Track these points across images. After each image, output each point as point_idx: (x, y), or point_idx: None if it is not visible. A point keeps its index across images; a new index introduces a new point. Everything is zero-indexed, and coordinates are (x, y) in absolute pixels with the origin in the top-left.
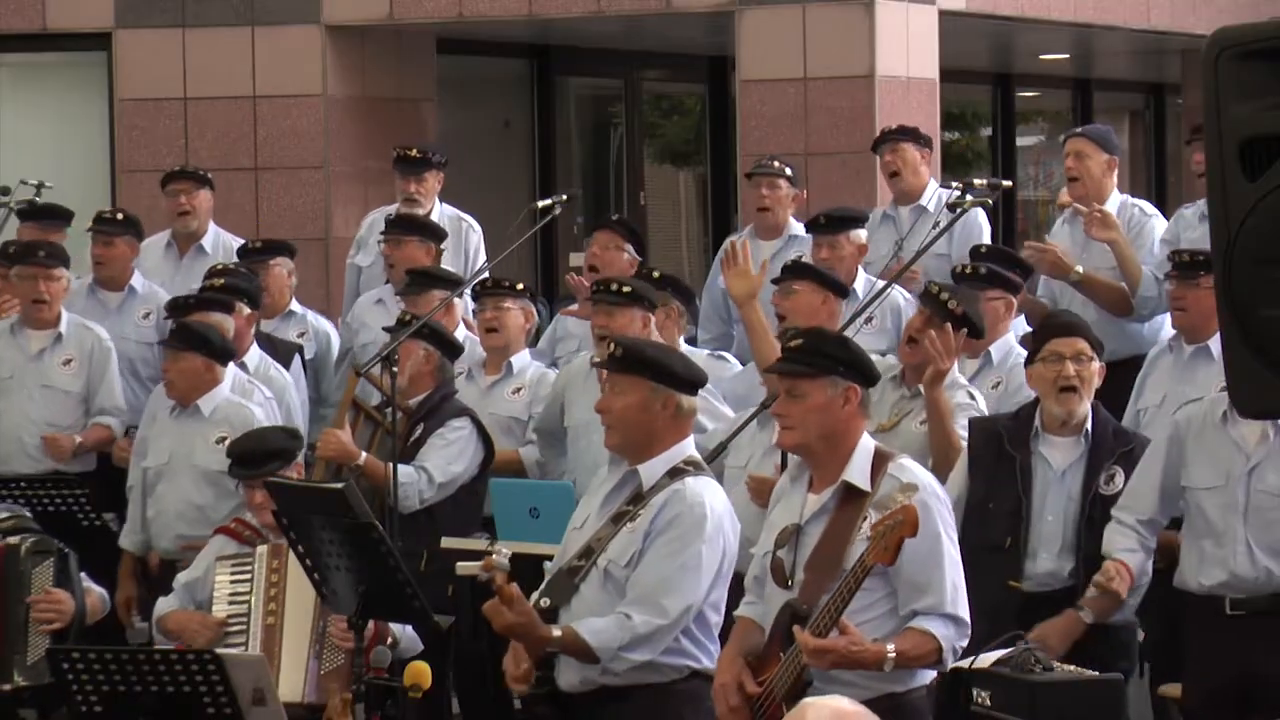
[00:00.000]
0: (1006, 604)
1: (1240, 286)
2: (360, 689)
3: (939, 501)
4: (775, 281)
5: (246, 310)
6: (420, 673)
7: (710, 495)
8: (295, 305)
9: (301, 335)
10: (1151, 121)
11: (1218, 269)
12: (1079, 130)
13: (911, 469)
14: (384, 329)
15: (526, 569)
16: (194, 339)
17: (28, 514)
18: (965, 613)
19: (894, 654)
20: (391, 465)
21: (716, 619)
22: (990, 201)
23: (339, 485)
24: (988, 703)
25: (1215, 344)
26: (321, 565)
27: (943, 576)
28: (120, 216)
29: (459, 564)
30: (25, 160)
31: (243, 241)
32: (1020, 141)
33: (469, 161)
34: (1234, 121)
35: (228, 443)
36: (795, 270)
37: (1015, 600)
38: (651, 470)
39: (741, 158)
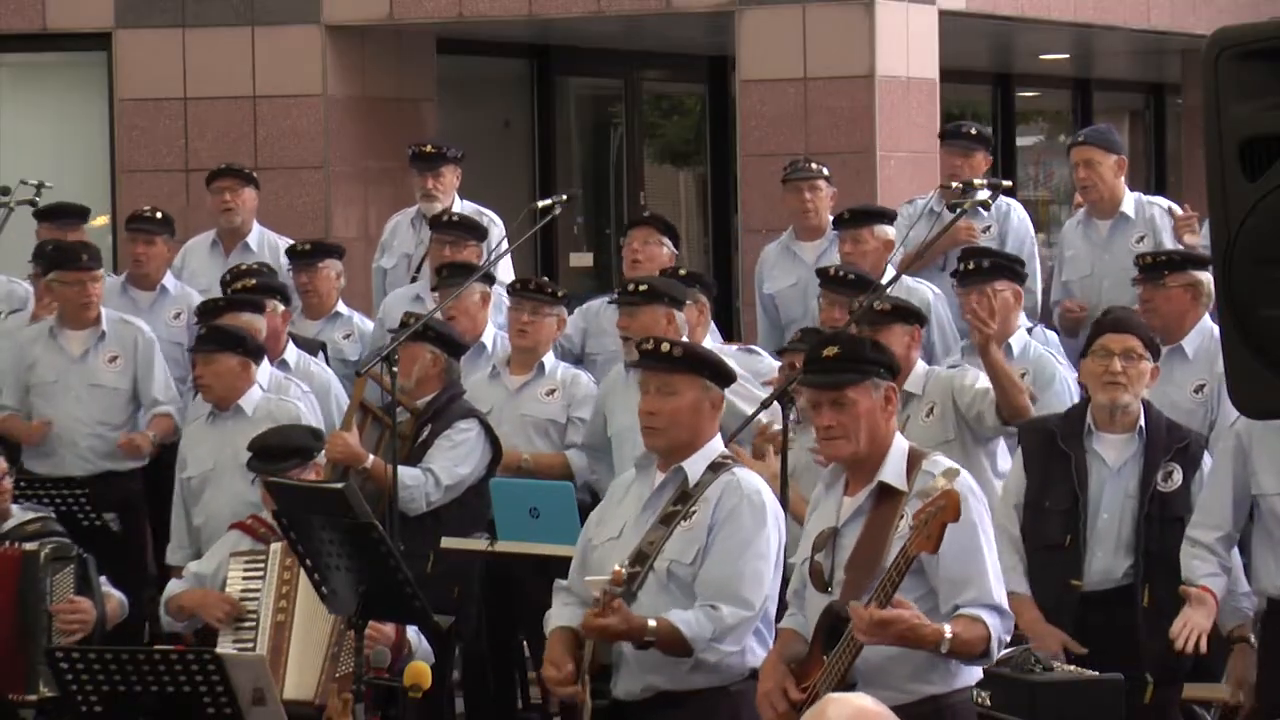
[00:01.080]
0: (1065, 602)
1: (1240, 286)
2: (360, 689)
3: (974, 495)
4: (823, 288)
5: (281, 308)
6: (420, 673)
7: (761, 484)
8: (341, 306)
9: (347, 337)
10: (1151, 121)
11: (1218, 269)
12: (1082, 138)
13: (946, 465)
14: (388, 330)
15: (526, 569)
16: (228, 339)
17: (52, 515)
18: (1007, 604)
19: (951, 635)
20: (392, 466)
21: (773, 609)
22: (990, 201)
23: (339, 485)
24: (988, 703)
25: (1188, 344)
26: (321, 565)
27: (984, 569)
28: (159, 215)
29: (587, 578)
30: (25, 160)
31: (289, 241)
32: (1020, 141)
33: (469, 161)
34: (1234, 121)
35: None
36: (853, 283)
37: (1074, 599)
38: (695, 467)
39: (742, 158)
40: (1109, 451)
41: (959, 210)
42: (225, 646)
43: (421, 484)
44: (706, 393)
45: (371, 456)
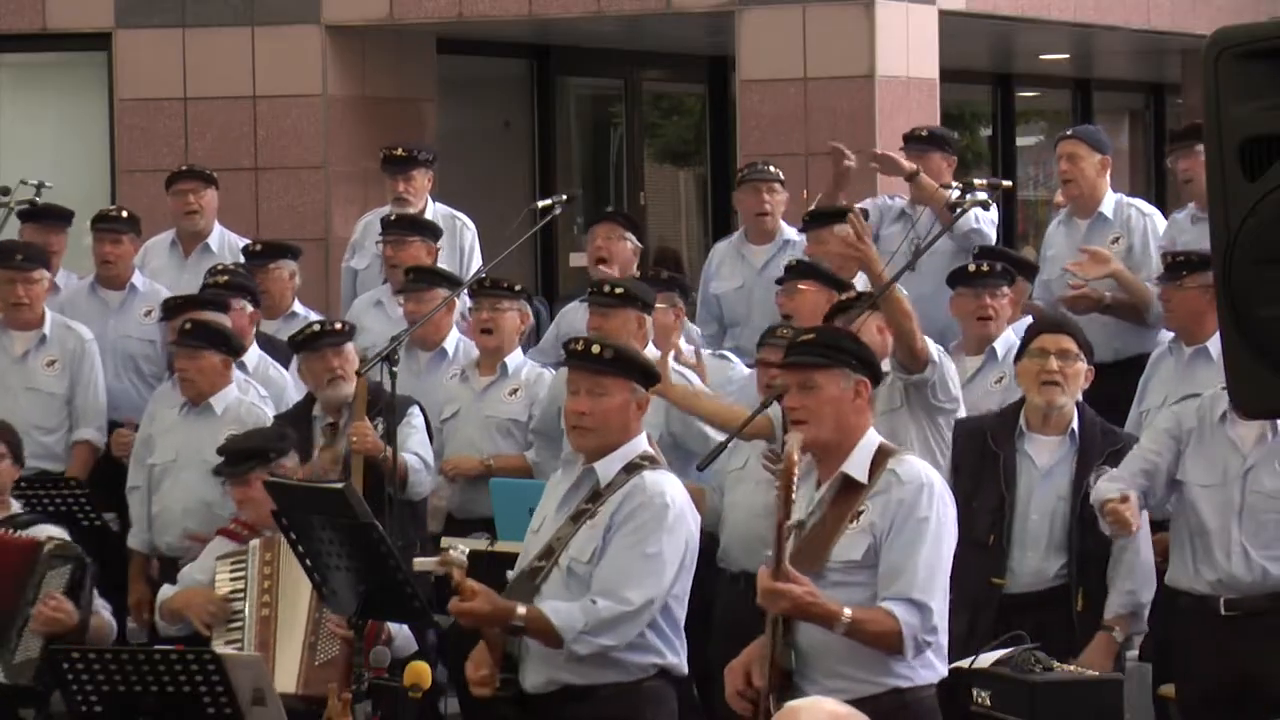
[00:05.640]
0: (988, 601)
1: (1240, 286)
2: (361, 689)
3: (932, 493)
4: (779, 282)
5: (249, 309)
6: (420, 673)
7: (670, 486)
8: (298, 306)
9: None
10: (1151, 121)
11: (1218, 269)
12: (1069, 132)
13: (912, 464)
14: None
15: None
16: (214, 337)
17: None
18: (935, 603)
19: (849, 619)
20: (393, 454)
21: (680, 611)
22: (990, 202)
23: (339, 485)
24: (988, 703)
25: (1214, 344)
26: (321, 565)
27: (916, 563)
28: (124, 214)
29: (415, 560)
30: (25, 160)
31: (248, 241)
32: (1020, 141)
33: (469, 161)
34: (1234, 121)
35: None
36: (800, 270)
37: (997, 597)
38: (608, 467)
39: (741, 158)
40: (1040, 453)
41: (959, 210)
42: (217, 648)
43: (421, 469)
44: (634, 394)
45: (387, 446)
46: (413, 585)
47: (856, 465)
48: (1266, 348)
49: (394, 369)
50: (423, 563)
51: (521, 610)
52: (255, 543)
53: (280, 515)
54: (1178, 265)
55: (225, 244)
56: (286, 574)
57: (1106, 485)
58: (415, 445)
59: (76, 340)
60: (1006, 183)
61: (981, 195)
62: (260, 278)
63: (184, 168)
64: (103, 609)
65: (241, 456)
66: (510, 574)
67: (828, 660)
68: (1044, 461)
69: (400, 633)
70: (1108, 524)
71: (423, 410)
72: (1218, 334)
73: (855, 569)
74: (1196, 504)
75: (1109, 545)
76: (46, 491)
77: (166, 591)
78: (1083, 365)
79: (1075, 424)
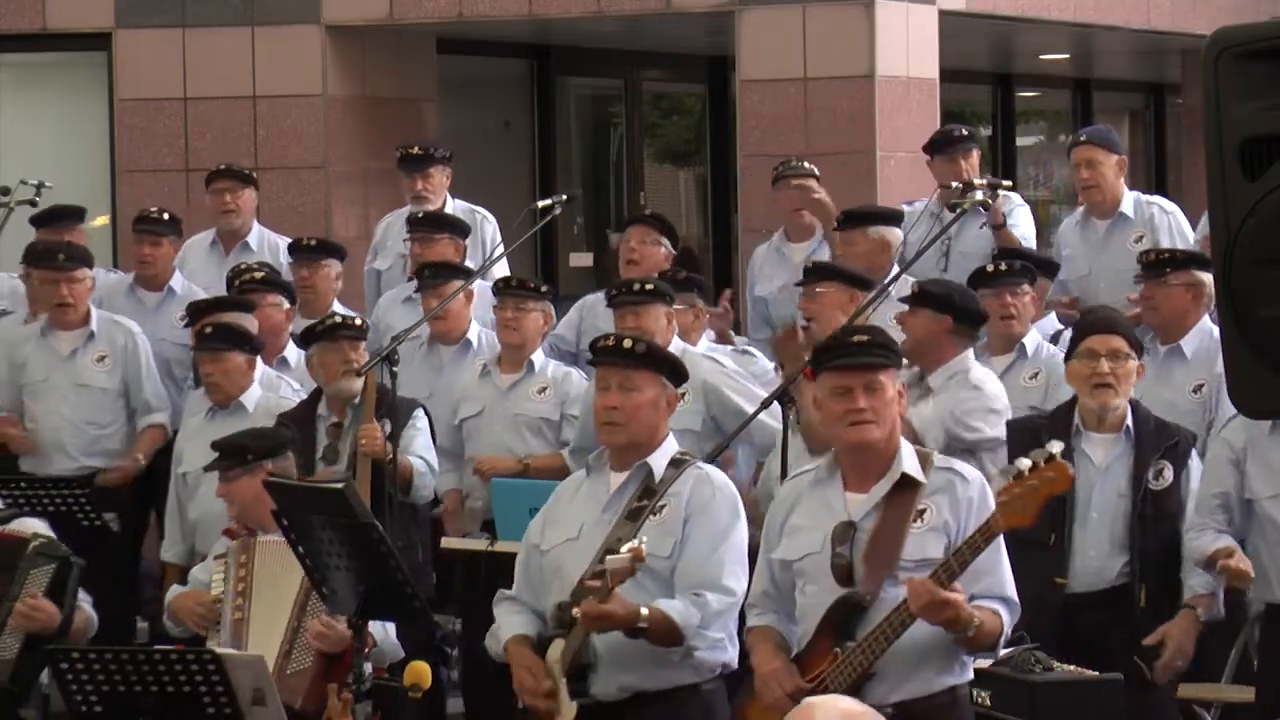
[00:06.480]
0: (1050, 600)
1: (1240, 286)
2: (361, 689)
3: (991, 491)
4: (799, 284)
5: (286, 305)
6: (420, 673)
7: (728, 480)
8: (337, 306)
9: None
10: (1151, 121)
11: (1218, 269)
12: (1083, 137)
13: (964, 463)
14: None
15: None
16: (237, 338)
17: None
18: (1016, 597)
19: (978, 623)
20: (394, 454)
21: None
22: (990, 201)
23: (339, 485)
24: (988, 703)
25: (1187, 344)
26: (321, 565)
27: (1000, 561)
28: (166, 216)
29: (608, 558)
30: (25, 160)
31: (288, 240)
32: (1020, 141)
33: (469, 161)
34: (1234, 121)
35: None
36: (818, 271)
37: (1059, 596)
38: (658, 463)
39: (741, 158)
40: (1096, 451)
41: (959, 210)
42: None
43: (426, 472)
44: (664, 391)
45: (391, 448)
46: (413, 585)
47: (911, 465)
48: (1266, 348)
49: (394, 369)
50: (614, 559)
51: (645, 611)
52: (233, 545)
53: (280, 515)
54: (1161, 262)
55: (265, 243)
56: (262, 577)
57: (1202, 542)
58: (420, 448)
59: (125, 334)
60: (1006, 182)
61: (980, 195)
62: (308, 273)
63: (222, 166)
64: (84, 603)
65: (223, 452)
66: (504, 592)
67: (902, 664)
68: (1101, 459)
69: (386, 641)
70: (1230, 580)
71: (427, 413)
72: (1192, 332)
73: (929, 567)
74: (1272, 515)
75: (1171, 542)
76: (47, 491)
77: (173, 592)
78: (1134, 363)
79: (1129, 420)
